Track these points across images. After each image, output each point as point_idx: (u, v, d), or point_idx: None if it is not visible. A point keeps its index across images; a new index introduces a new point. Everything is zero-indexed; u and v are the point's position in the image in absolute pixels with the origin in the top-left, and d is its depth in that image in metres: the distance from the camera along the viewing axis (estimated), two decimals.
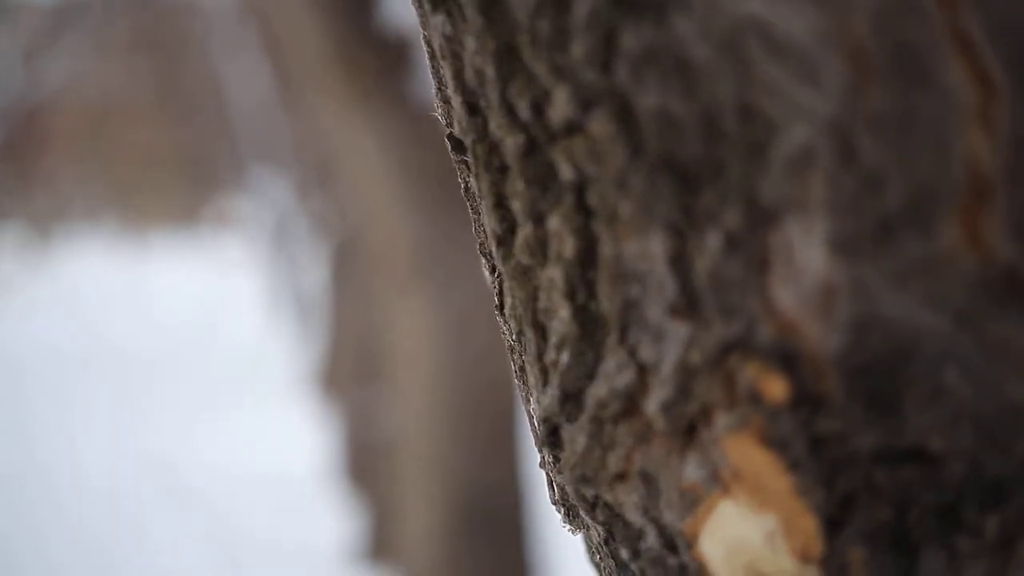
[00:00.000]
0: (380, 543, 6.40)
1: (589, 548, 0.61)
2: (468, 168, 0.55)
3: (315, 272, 12.92)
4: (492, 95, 0.52)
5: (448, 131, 0.56)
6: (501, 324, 0.59)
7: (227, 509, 6.77)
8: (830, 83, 0.44)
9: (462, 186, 0.57)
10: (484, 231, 0.57)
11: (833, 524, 0.49)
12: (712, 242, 0.48)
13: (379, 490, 6.43)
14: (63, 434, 9.58)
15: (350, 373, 8.28)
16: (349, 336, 8.57)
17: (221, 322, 16.88)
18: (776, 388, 0.48)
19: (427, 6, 0.55)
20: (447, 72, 0.54)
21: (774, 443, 0.49)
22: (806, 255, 0.46)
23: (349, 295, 9.07)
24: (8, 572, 5.85)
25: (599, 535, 0.58)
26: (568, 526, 0.61)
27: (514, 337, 0.57)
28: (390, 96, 3.11)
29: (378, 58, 3.08)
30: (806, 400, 0.48)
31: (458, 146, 0.55)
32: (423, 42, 0.56)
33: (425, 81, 3.07)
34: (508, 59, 0.51)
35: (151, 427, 9.58)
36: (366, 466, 6.67)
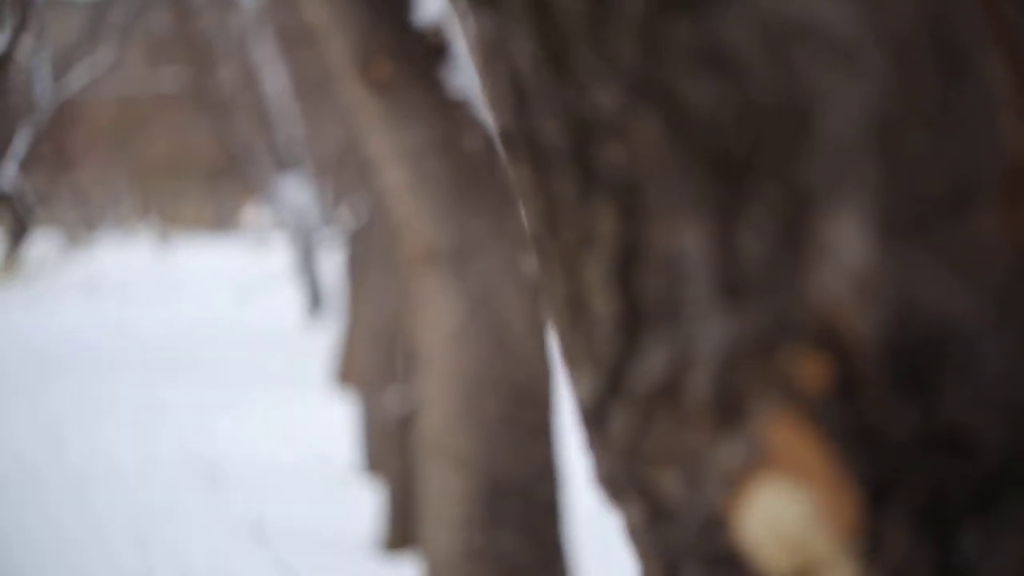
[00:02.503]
0: (403, 531, 6.40)
1: (629, 527, 0.62)
2: (517, 162, 0.56)
3: (337, 268, 12.93)
4: (540, 93, 0.53)
5: (500, 127, 0.57)
6: (547, 310, 0.59)
7: (256, 496, 6.78)
8: (874, 75, 0.45)
9: (513, 179, 0.58)
10: (532, 222, 0.58)
11: (873, 501, 0.49)
12: (754, 230, 0.48)
13: (401, 479, 6.43)
14: (95, 422, 9.61)
15: (369, 363, 8.29)
16: (368, 327, 8.59)
17: (251, 316, 16.92)
18: (818, 370, 0.49)
19: (476, 8, 0.55)
20: (497, 72, 0.55)
21: (815, 423, 0.49)
22: (848, 242, 0.47)
23: (368, 288, 9.08)
24: (42, 556, 5.87)
25: (641, 514, 0.59)
26: (610, 504, 0.61)
27: (560, 322, 0.58)
28: (418, 85, 3.11)
29: (404, 50, 3.08)
30: (847, 382, 0.48)
31: (508, 141, 0.56)
32: (472, 42, 0.57)
33: (458, 71, 3.07)
34: (556, 58, 0.52)
35: (182, 415, 9.60)
36: (387, 454, 6.67)
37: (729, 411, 0.52)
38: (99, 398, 10.90)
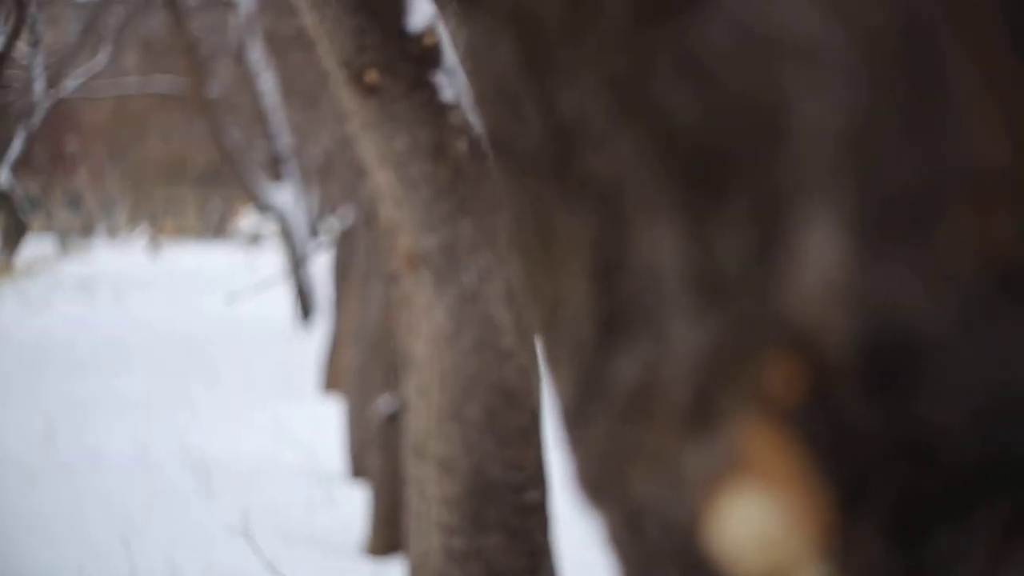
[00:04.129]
0: (389, 536, 6.39)
1: (606, 530, 0.62)
2: (501, 167, 0.56)
3: (324, 272, 12.94)
4: (524, 100, 0.53)
5: (485, 131, 0.57)
6: (527, 311, 0.60)
7: (244, 498, 6.77)
8: (846, 82, 0.45)
9: (497, 182, 0.58)
10: (513, 224, 0.58)
11: (845, 506, 0.49)
12: (730, 236, 0.49)
13: (387, 483, 6.43)
14: (84, 420, 9.59)
15: (354, 369, 8.28)
16: (352, 333, 8.60)
17: (242, 320, 16.89)
18: (791, 375, 0.49)
19: (461, 17, 0.55)
20: (482, 78, 0.55)
21: (788, 428, 0.49)
22: (822, 247, 0.47)
23: (353, 295, 9.09)
24: (29, 551, 5.86)
25: (617, 517, 0.59)
26: (587, 507, 0.61)
27: (540, 325, 0.58)
28: (407, 90, 3.11)
29: (394, 54, 3.08)
30: (821, 387, 0.48)
31: (493, 146, 0.56)
32: (460, 50, 0.57)
33: (448, 75, 3.08)
34: (539, 65, 0.52)
35: (172, 415, 9.58)
36: (373, 459, 6.66)
37: (703, 415, 0.51)
38: (89, 397, 10.88)
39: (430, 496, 3.32)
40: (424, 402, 3.31)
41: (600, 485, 0.57)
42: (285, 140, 15.32)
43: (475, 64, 0.56)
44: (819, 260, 0.47)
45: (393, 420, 6.36)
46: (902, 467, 0.48)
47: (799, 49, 0.45)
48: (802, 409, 0.49)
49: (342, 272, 11.38)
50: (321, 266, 15.25)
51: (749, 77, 0.46)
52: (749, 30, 0.46)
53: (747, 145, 0.47)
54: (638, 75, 0.48)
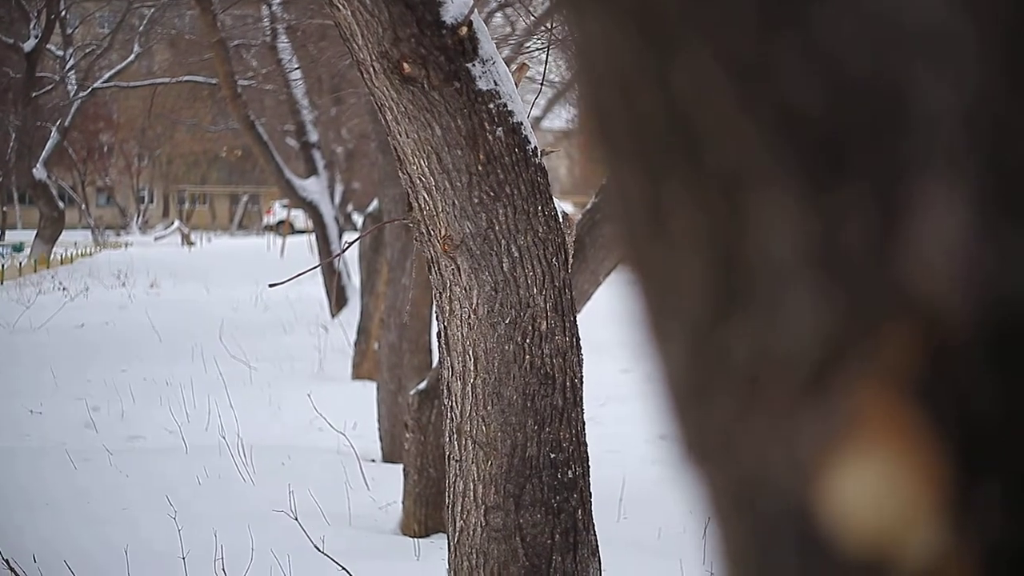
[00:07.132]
0: (426, 516, 6.40)
1: (712, 504, 0.62)
2: (612, 156, 0.57)
3: (357, 263, 12.93)
4: (643, 91, 0.53)
5: (593, 124, 0.57)
6: (636, 283, 0.60)
7: (284, 479, 6.79)
8: (972, 62, 0.45)
9: (608, 171, 0.59)
10: (622, 211, 0.58)
11: (963, 471, 0.50)
12: (850, 209, 0.49)
13: (421, 465, 6.44)
14: (126, 404, 9.62)
15: (383, 354, 8.28)
16: (381, 319, 8.61)
17: (278, 309, 16.88)
18: (911, 344, 0.49)
19: (576, 7, 0.56)
20: (593, 69, 0.56)
21: (907, 396, 0.50)
22: (945, 219, 0.47)
23: (382, 283, 9.10)
24: (75, 529, 5.89)
25: (726, 490, 0.59)
26: (694, 474, 0.62)
27: (645, 300, 0.59)
28: (444, 79, 3.11)
29: (431, 44, 3.08)
30: (940, 355, 0.49)
31: (603, 137, 0.57)
32: (573, 42, 0.57)
33: (484, 64, 3.07)
34: (661, 57, 0.52)
35: (211, 400, 9.61)
36: (407, 442, 6.67)
37: (821, 386, 0.52)
38: (127, 382, 10.90)
39: (469, 475, 3.32)
40: (462, 384, 3.32)
41: (712, 456, 0.58)
42: (312, 133, 15.33)
43: (588, 53, 0.56)
44: (940, 234, 0.47)
45: (425, 398, 6.36)
46: (1019, 436, 0.49)
47: (922, 32, 0.46)
48: (922, 378, 0.49)
49: (370, 260, 11.39)
50: (352, 254, 15.25)
51: (873, 61, 0.47)
52: (872, 15, 0.46)
53: (871, 126, 0.47)
54: (762, 62, 0.49)
